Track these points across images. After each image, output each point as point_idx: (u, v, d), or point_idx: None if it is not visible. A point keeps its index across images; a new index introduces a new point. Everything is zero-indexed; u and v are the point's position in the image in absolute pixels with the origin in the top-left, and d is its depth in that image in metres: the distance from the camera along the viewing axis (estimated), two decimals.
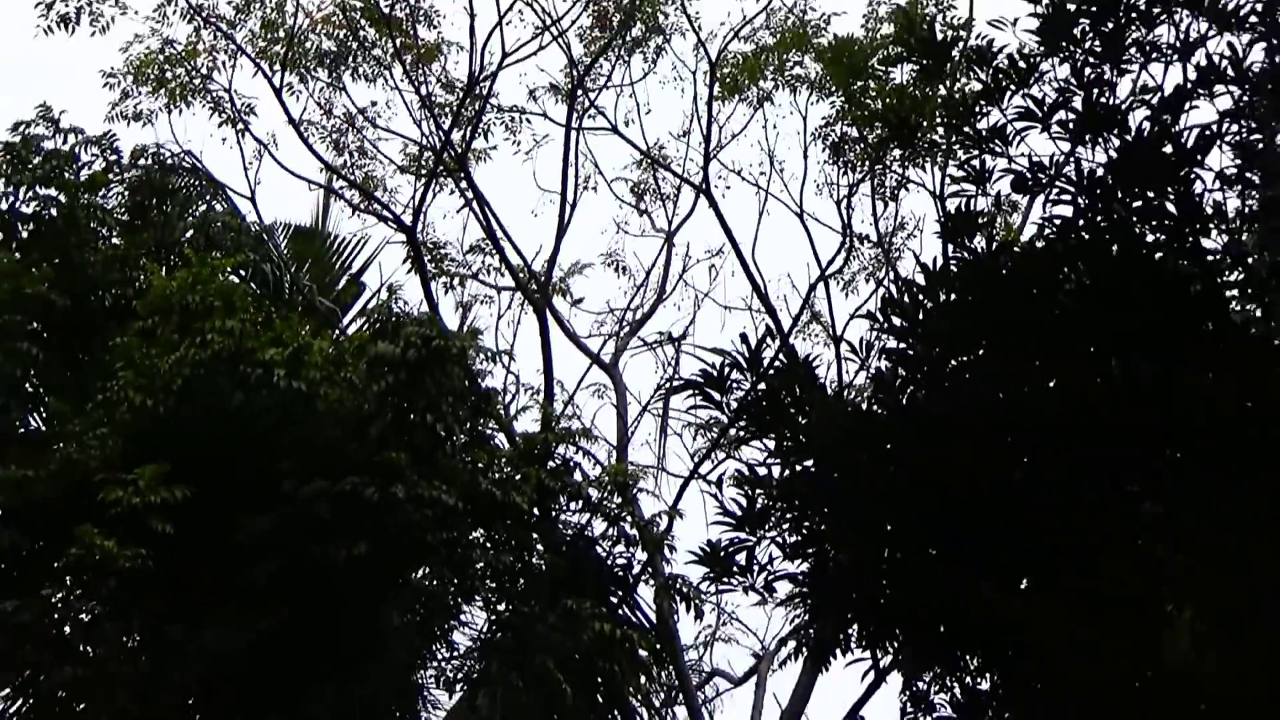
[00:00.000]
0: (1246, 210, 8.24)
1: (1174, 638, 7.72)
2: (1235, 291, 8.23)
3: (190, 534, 11.65)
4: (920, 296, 8.29)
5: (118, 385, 12.39)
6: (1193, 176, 8.03)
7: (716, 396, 8.82)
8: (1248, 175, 8.11)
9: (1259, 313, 8.28)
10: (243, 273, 14.78)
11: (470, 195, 19.96)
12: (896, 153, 17.95)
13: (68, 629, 11.92)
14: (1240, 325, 8.08)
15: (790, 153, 31.33)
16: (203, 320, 12.56)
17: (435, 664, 13.83)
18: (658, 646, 15.26)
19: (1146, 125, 8.09)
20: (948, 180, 16.36)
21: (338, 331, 15.60)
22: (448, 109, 19.77)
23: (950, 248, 8.72)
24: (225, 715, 12.50)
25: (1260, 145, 8.17)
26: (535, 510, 13.88)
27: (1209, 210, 8.05)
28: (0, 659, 11.54)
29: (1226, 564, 7.49)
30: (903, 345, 8.34)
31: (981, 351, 8.25)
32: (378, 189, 20.51)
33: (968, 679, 8.69)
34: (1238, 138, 8.13)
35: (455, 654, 13.81)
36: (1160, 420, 7.65)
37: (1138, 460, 7.84)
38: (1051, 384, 8.11)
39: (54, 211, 14.26)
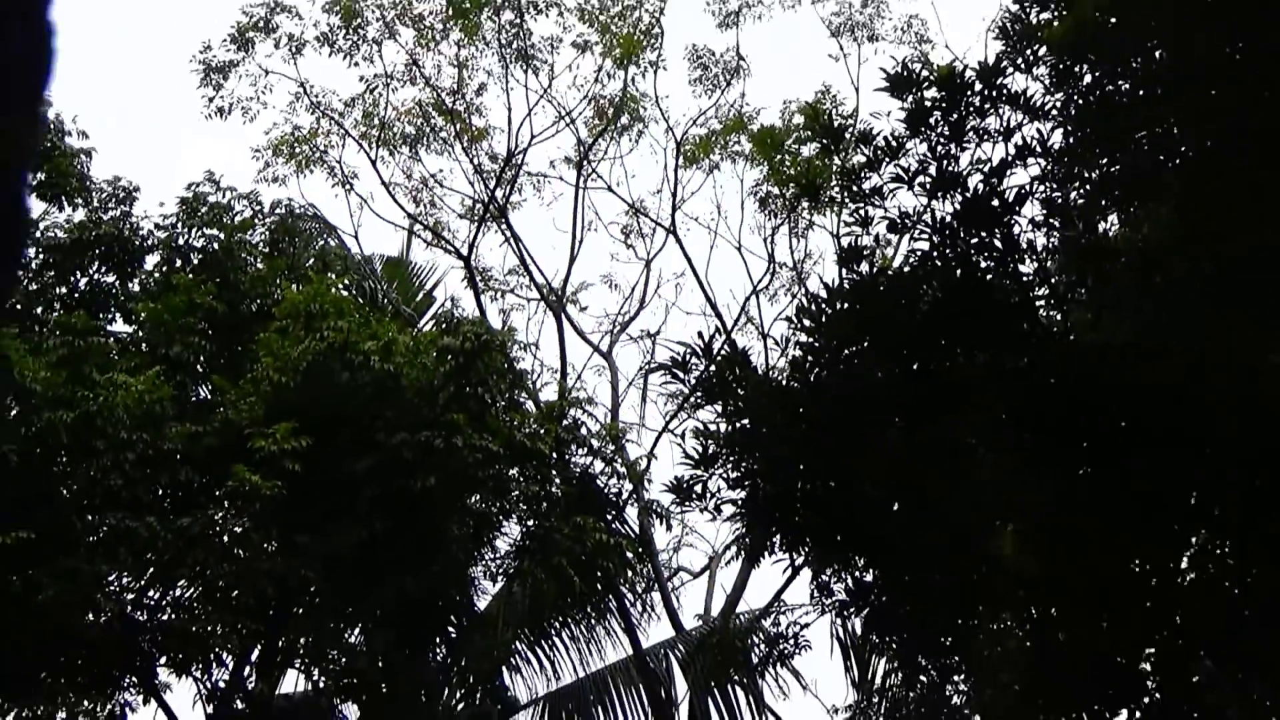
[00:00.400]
0: (1051, 245, 8.24)
1: (1002, 544, 7.75)
2: (1042, 303, 8.24)
3: (312, 472, 11.61)
4: (823, 305, 8.28)
5: (261, 367, 12.36)
6: (1013, 222, 8.02)
7: (681, 375, 8.80)
8: (1051, 221, 8.10)
9: (1059, 317, 8.30)
10: (349, 289, 14.73)
11: (508, 234, 19.87)
12: (806, 205, 17.92)
13: (225, 538, 11.87)
14: (1046, 326, 8.09)
15: (732, 204, 31.34)
16: (321, 322, 12.51)
17: (483, 562, 13.82)
18: (640, 550, 15.27)
19: (980, 186, 8.07)
20: (842, 224, 16.37)
21: (416, 330, 15.54)
22: (493, 174, 19.69)
23: (844, 271, 8.70)
24: (336, 597, 12.49)
25: (1060, 200, 8.16)
26: (554, 454, 13.84)
27: (1024, 245, 8.05)
28: (179, 559, 11.50)
29: (1039, 492, 7.52)
30: (811, 340, 8.31)
31: (866, 344, 8.23)
32: (444, 230, 20.36)
33: (857, 573, 8.68)
34: (1044, 195, 8.13)
35: (497, 555, 13.81)
36: (990, 393, 7.66)
37: (974, 421, 7.85)
38: (915, 367, 8.10)
39: (215, 245, 14.19)
